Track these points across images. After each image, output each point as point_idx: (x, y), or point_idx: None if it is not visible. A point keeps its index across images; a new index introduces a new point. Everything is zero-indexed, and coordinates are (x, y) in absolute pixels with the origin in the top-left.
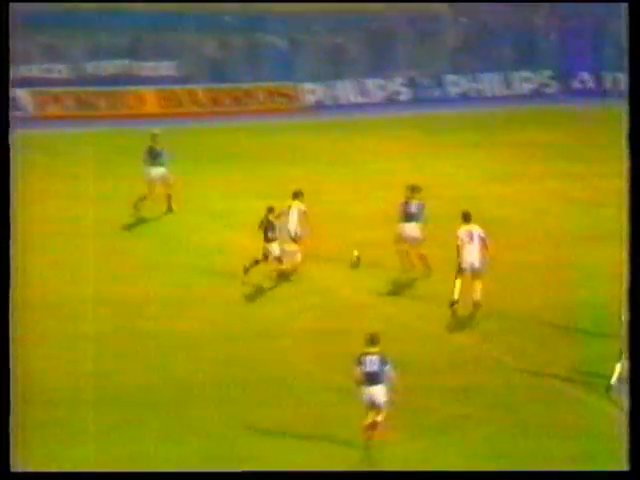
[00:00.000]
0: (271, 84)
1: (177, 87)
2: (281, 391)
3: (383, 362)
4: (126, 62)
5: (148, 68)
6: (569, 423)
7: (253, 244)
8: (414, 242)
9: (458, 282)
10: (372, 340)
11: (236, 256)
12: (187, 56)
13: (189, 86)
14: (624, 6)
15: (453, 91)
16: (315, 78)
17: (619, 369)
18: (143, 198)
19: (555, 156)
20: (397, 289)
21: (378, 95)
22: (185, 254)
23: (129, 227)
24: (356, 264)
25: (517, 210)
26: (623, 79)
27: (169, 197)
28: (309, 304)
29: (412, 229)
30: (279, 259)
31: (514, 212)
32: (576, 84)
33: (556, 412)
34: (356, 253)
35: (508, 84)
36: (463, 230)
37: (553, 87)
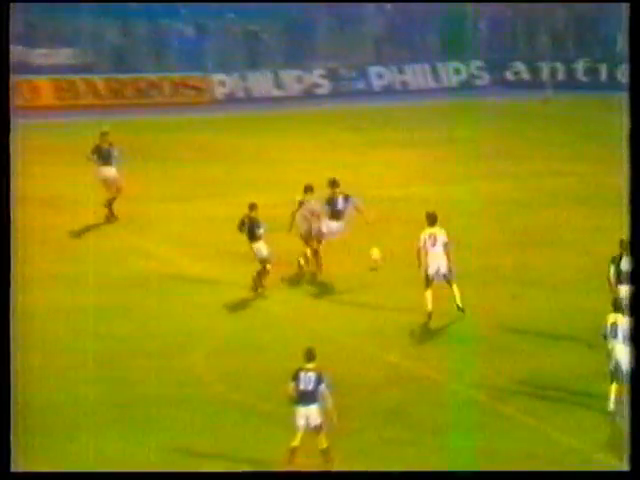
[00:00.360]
0: (178, 75)
1: (75, 77)
2: (189, 411)
3: (319, 380)
4: (19, 48)
5: (43, 56)
6: (500, 444)
7: (163, 251)
8: (332, 237)
9: (428, 293)
10: (309, 355)
11: (144, 263)
12: (86, 43)
13: (88, 76)
14: (624, 6)
15: (377, 83)
16: (226, 69)
17: (614, 391)
18: (112, 200)
19: (487, 154)
20: (325, 299)
21: (295, 88)
22: (87, 261)
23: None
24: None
25: (445, 212)
26: (561, 69)
27: (112, 200)
28: (228, 315)
29: (338, 228)
30: (265, 260)
31: (442, 215)
32: (509, 75)
33: (487, 432)
34: (375, 255)
35: (436, 76)
36: (427, 233)
37: (484, 79)
